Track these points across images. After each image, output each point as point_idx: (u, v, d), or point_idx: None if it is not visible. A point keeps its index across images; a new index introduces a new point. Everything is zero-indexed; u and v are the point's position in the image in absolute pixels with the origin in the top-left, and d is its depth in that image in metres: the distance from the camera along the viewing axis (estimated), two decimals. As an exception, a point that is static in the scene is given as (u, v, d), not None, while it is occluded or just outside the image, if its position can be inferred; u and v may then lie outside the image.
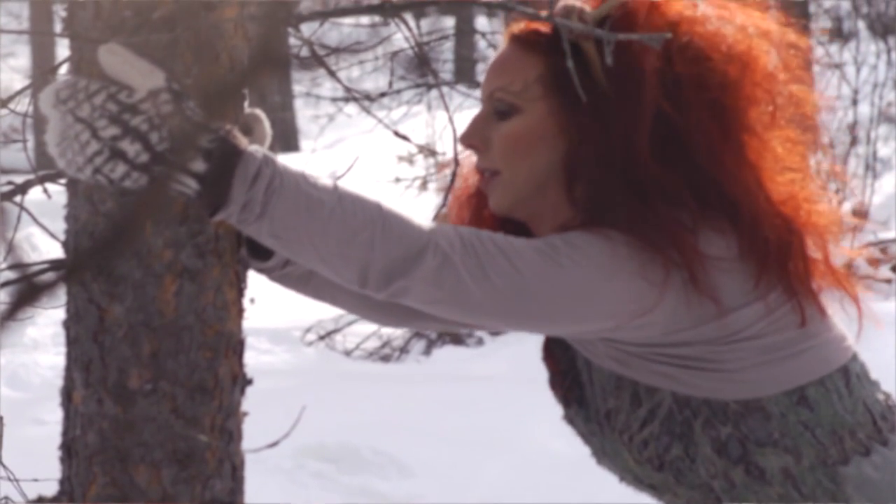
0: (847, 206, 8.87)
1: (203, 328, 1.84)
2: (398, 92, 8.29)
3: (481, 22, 15.80)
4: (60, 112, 1.77)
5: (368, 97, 2.44)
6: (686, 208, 1.91)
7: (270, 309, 5.58)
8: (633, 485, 2.07)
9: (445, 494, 4.87)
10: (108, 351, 1.83)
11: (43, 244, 7.02)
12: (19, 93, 2.18)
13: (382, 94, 2.51)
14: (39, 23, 12.51)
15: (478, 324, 1.98)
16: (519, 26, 2.02)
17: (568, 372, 2.08)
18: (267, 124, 1.93)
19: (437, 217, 2.23)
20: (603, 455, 2.07)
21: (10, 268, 1.80)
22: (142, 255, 1.82)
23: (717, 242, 1.91)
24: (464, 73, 13.64)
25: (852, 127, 9.40)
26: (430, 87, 8.86)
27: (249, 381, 1.92)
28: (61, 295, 1.85)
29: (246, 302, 1.92)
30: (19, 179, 2.05)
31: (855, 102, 9.47)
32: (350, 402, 5.85)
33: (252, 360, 2.04)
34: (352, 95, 2.31)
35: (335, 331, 7.40)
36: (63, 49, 2.23)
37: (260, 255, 1.98)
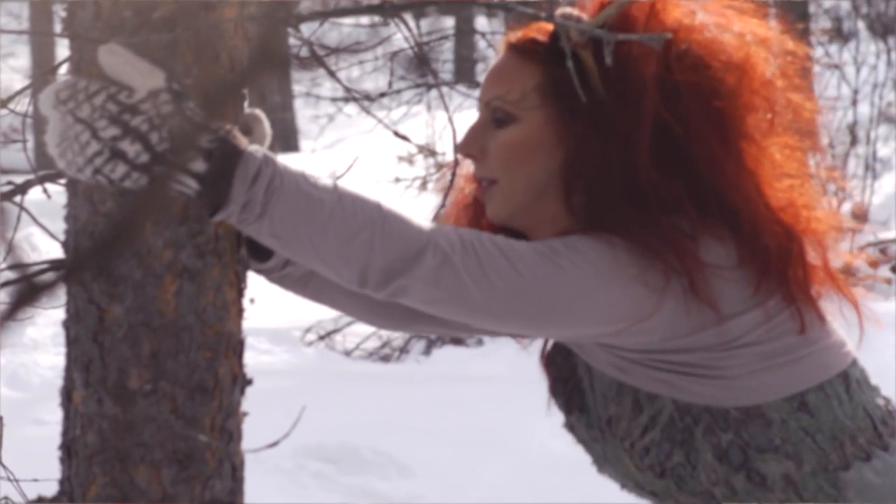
0: (846, 208, 8.88)
1: (203, 328, 1.84)
2: (398, 92, 8.29)
3: (481, 22, 15.80)
4: (60, 112, 1.77)
5: (368, 97, 2.44)
6: (686, 216, 1.91)
7: (270, 309, 5.58)
8: (635, 492, 2.07)
9: (445, 494, 4.87)
10: (107, 351, 1.83)
11: (43, 244, 7.01)
12: (19, 93, 2.18)
13: (382, 95, 2.51)
14: (39, 23, 12.51)
15: (477, 325, 1.97)
16: (516, 35, 2.02)
17: (569, 379, 2.08)
18: (267, 124, 1.93)
19: (436, 217, 2.23)
20: (604, 462, 2.07)
21: (10, 268, 1.80)
22: (142, 255, 1.82)
23: (717, 250, 1.91)
24: (463, 73, 13.65)
25: (852, 127, 9.41)
26: (429, 87, 8.86)
27: (249, 382, 1.92)
28: (61, 295, 1.85)
29: (246, 302, 1.92)
30: (19, 179, 2.05)
31: (855, 103, 9.48)
32: (350, 402, 5.85)
33: (252, 360, 2.04)
34: (352, 95, 2.31)
35: (335, 331, 7.40)
36: (63, 49, 2.23)
37: (259, 255, 1.98)
